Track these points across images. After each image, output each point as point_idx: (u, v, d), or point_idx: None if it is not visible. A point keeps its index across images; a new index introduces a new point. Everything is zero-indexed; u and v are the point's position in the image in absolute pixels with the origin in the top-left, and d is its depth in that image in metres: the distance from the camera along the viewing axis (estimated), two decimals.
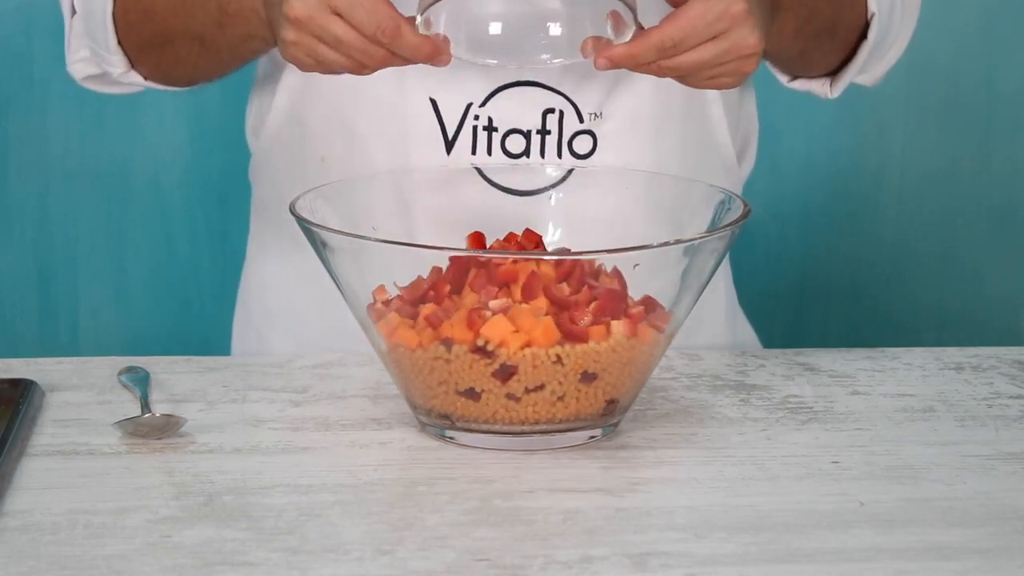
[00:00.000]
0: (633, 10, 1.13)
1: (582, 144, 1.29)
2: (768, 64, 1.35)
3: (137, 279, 2.28)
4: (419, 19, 1.13)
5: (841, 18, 1.29)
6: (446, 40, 1.14)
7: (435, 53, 1.13)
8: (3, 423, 1.08)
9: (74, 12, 1.34)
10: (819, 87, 1.34)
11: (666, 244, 1.06)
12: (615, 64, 1.12)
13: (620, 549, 0.94)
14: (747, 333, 1.46)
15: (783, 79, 1.36)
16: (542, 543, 0.95)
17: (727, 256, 1.40)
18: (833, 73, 1.34)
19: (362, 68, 1.14)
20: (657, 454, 1.08)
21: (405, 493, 1.02)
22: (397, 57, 1.13)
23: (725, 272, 1.42)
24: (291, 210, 1.09)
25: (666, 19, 1.12)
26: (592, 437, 1.10)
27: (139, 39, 1.30)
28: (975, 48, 2.29)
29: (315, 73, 1.16)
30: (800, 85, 1.36)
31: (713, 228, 1.12)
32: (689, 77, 1.15)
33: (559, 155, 1.29)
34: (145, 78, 1.33)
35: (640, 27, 1.13)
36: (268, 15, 1.17)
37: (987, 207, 2.33)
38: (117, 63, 1.31)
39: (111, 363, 1.22)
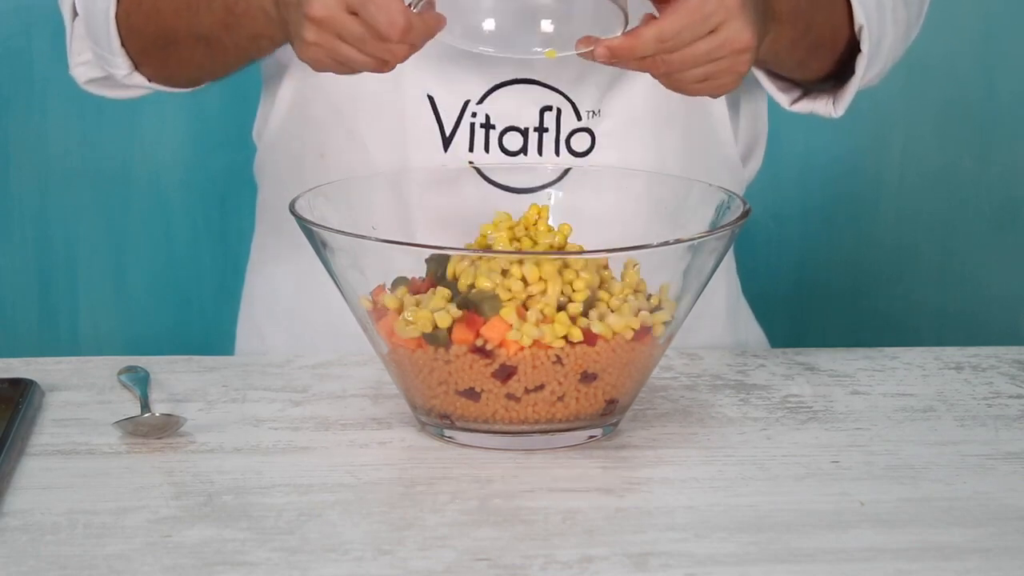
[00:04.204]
0: (625, 11, 1.13)
1: (580, 142, 1.29)
2: (767, 84, 1.34)
3: (137, 279, 2.28)
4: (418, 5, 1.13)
5: (840, 32, 1.28)
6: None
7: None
8: (3, 423, 1.08)
9: (75, 15, 1.34)
10: (823, 107, 1.32)
11: (666, 243, 1.06)
12: (615, 54, 1.10)
13: (620, 549, 0.94)
14: (752, 331, 1.45)
15: (784, 103, 1.34)
16: (542, 543, 0.95)
17: (731, 254, 1.40)
18: (824, 88, 1.33)
19: (384, 65, 1.13)
20: (657, 454, 1.08)
21: (405, 493, 1.02)
22: (416, 47, 1.12)
23: (727, 270, 1.41)
24: (291, 210, 1.09)
25: (664, 13, 1.12)
26: (592, 437, 1.10)
27: (143, 41, 1.30)
28: (974, 49, 2.29)
29: (325, 72, 1.15)
30: (802, 107, 1.33)
31: (713, 228, 1.12)
32: (683, 79, 1.14)
33: (557, 153, 1.29)
34: (149, 79, 1.33)
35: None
36: (281, 15, 1.16)
37: (987, 207, 2.33)
38: (120, 65, 1.31)
39: (111, 363, 1.22)
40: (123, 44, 1.30)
